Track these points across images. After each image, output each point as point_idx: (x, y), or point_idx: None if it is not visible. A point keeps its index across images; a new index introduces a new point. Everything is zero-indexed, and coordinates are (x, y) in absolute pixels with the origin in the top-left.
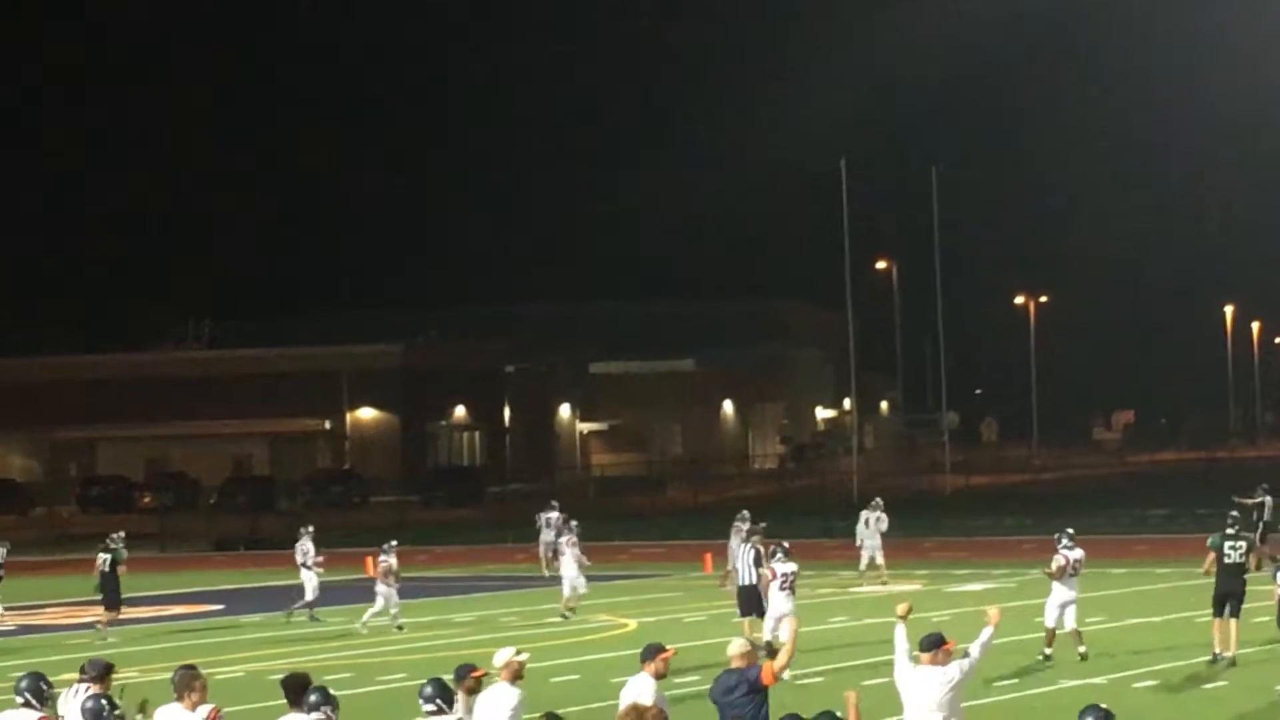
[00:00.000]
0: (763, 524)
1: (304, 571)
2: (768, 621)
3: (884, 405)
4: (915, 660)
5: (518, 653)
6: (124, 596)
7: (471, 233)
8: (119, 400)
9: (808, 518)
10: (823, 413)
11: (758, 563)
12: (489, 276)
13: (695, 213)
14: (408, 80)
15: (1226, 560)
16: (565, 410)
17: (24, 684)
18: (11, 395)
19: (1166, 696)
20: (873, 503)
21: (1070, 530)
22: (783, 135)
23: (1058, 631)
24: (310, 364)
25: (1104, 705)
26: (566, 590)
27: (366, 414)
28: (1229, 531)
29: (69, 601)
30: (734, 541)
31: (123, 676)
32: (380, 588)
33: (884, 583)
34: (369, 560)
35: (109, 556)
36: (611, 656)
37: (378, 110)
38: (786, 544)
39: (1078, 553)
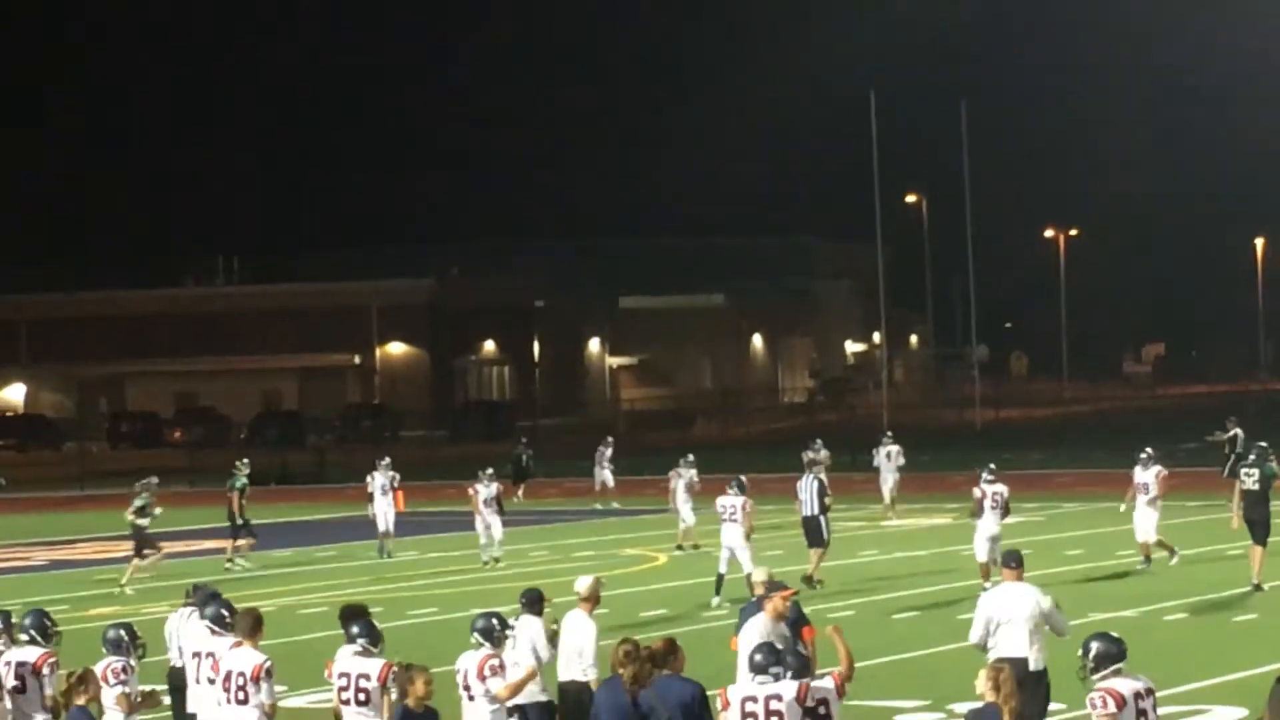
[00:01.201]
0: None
1: (380, 501)
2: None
3: (913, 339)
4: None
5: (597, 580)
6: (156, 532)
7: (501, 168)
8: (148, 336)
9: (837, 452)
10: (852, 346)
11: (823, 494)
12: (518, 211)
13: (724, 147)
14: (445, 12)
15: (1243, 487)
16: (595, 345)
17: (29, 621)
18: (41, 332)
19: (1197, 629)
20: (885, 436)
21: (992, 465)
22: (812, 69)
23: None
24: (339, 299)
25: (1114, 634)
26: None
27: (396, 349)
28: (1250, 459)
29: (99, 536)
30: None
31: (153, 611)
32: (480, 523)
33: (890, 518)
34: (399, 494)
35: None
36: (641, 590)
37: (413, 45)
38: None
39: (998, 487)
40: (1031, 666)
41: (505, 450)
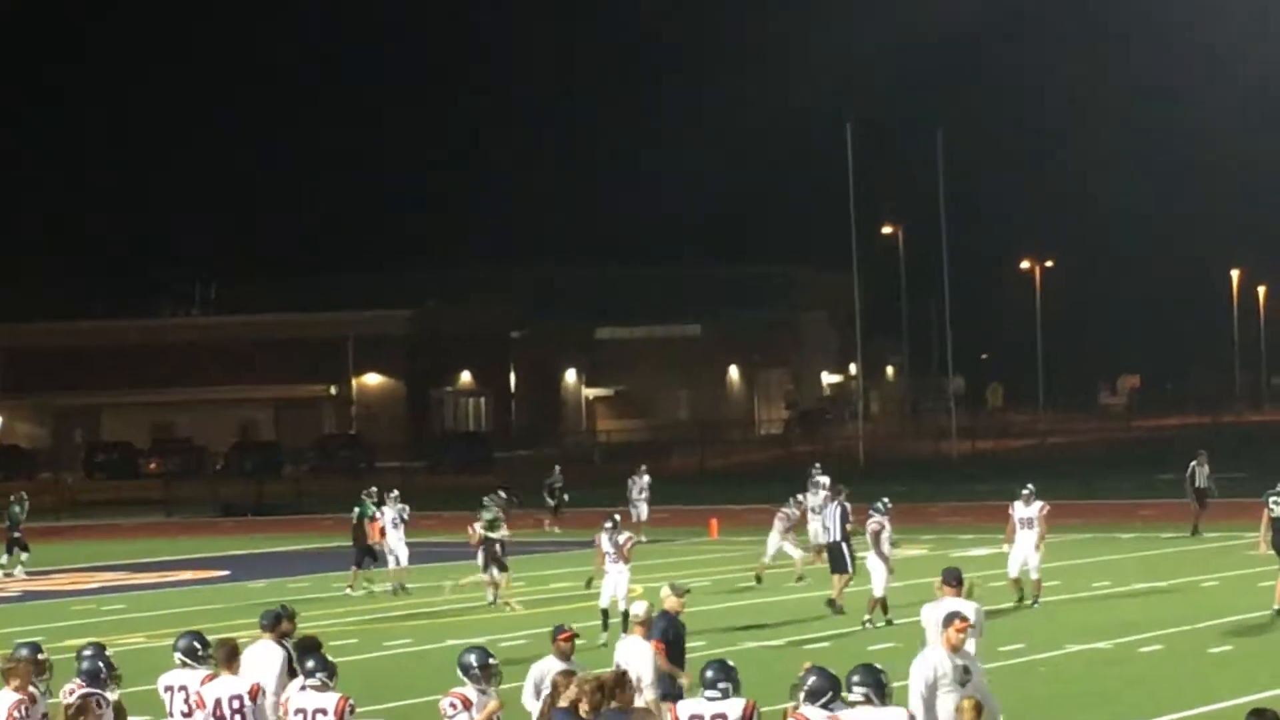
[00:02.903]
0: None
1: (392, 535)
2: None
3: (890, 370)
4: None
5: (650, 607)
6: (133, 562)
7: (475, 197)
8: (124, 366)
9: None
10: (828, 378)
11: (845, 520)
12: (494, 242)
13: (700, 177)
14: (409, 42)
15: (1271, 515)
16: (571, 376)
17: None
18: (17, 361)
19: (1172, 660)
20: (815, 467)
21: (885, 499)
22: (788, 99)
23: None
24: (316, 330)
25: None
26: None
27: (372, 380)
28: (1277, 488)
29: (74, 567)
30: (811, 499)
31: (128, 642)
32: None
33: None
34: (374, 526)
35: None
36: (614, 622)
37: (379, 72)
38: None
39: (873, 520)
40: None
41: (483, 481)
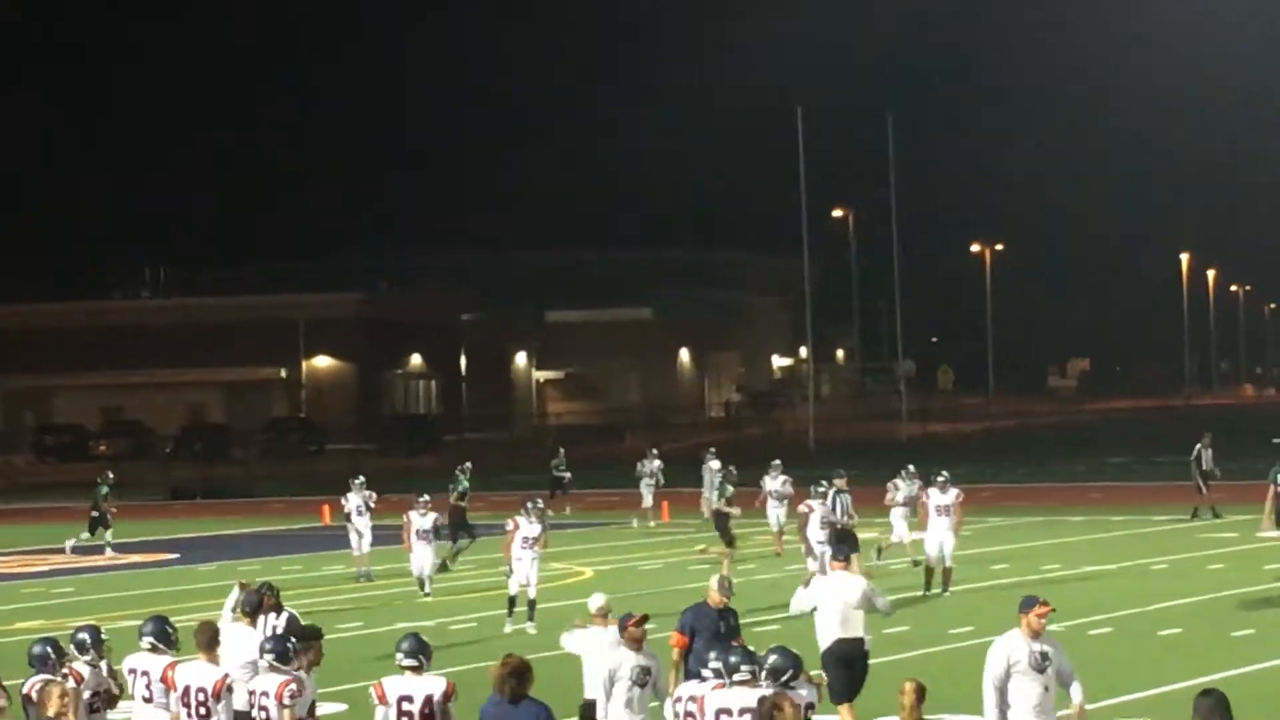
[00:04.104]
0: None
1: (358, 522)
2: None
3: (840, 354)
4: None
5: (606, 599)
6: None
7: (427, 181)
8: (75, 349)
9: (763, 467)
10: (779, 361)
11: (846, 512)
12: (445, 225)
13: (652, 162)
14: (361, 29)
15: (1278, 490)
16: (521, 359)
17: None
18: None
19: (1121, 643)
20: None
21: (824, 481)
22: (739, 85)
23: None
24: (267, 312)
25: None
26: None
27: (323, 362)
28: None
29: (24, 550)
30: (769, 484)
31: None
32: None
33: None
34: (325, 508)
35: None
36: (567, 605)
37: (330, 56)
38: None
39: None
40: (866, 646)
41: (433, 463)
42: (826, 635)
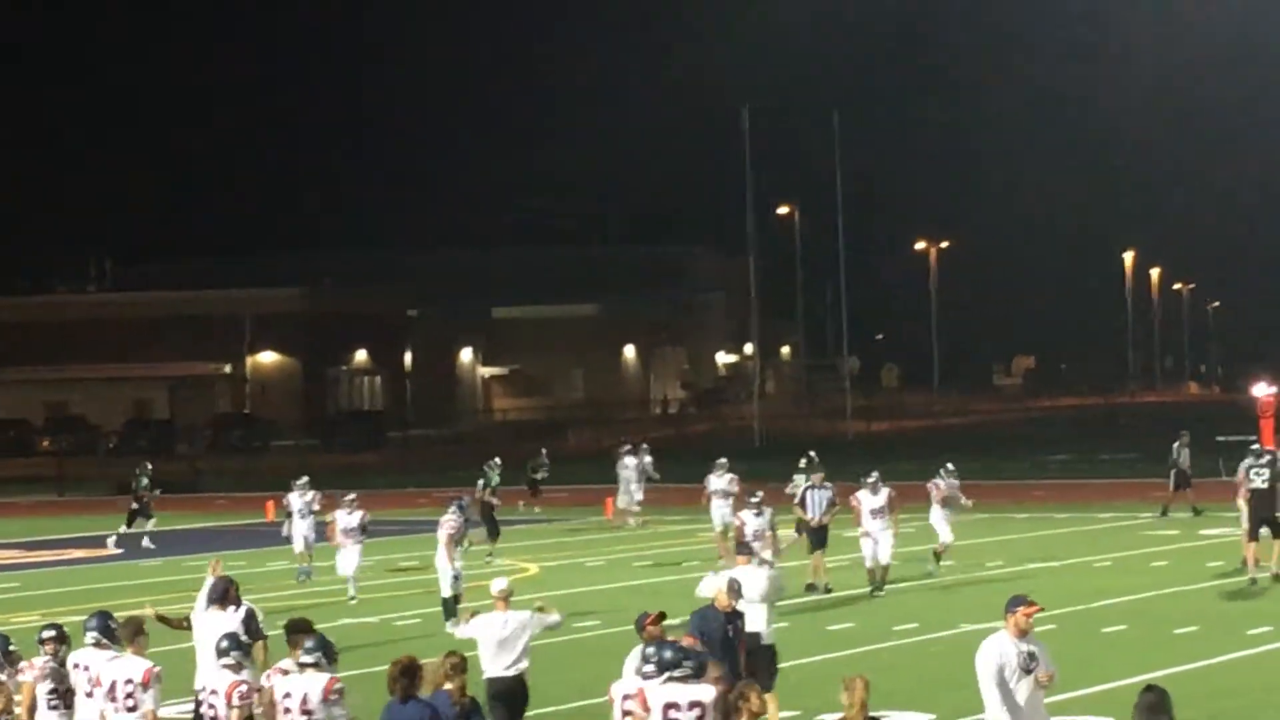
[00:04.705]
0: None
1: (300, 525)
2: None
3: (785, 350)
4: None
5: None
6: (27, 540)
7: (374, 177)
8: (18, 343)
9: (706, 463)
10: (724, 358)
11: (831, 504)
12: (391, 221)
13: (598, 157)
14: (308, 27)
15: (1251, 486)
16: (467, 355)
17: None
18: None
19: (1065, 640)
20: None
21: (759, 494)
22: (686, 80)
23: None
24: (211, 307)
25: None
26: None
27: (267, 358)
28: (1262, 460)
29: None
30: (714, 482)
31: (23, 620)
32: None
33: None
34: (269, 505)
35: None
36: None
37: (277, 54)
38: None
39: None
40: (764, 641)
41: (377, 460)
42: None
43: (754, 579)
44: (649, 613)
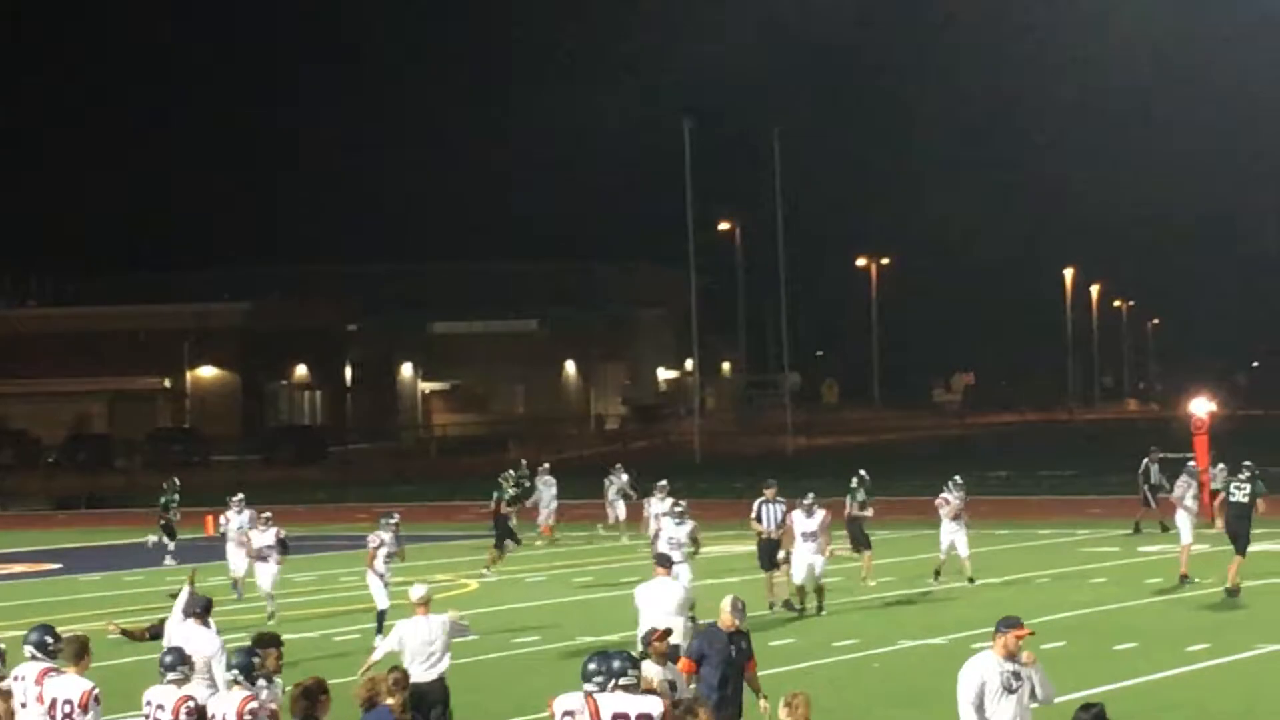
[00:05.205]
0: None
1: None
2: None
3: (726, 366)
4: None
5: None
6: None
7: (312, 192)
8: None
9: (645, 480)
10: (665, 373)
11: (782, 519)
12: (330, 236)
13: (538, 173)
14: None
15: (1230, 499)
16: (407, 370)
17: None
18: None
19: None
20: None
21: (682, 503)
22: (626, 96)
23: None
24: (151, 322)
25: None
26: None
27: (207, 372)
28: (1242, 476)
29: None
30: (655, 506)
31: None
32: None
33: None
34: (209, 519)
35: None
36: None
37: (220, 72)
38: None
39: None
40: (682, 652)
41: (318, 475)
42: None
43: (671, 591)
44: (656, 629)
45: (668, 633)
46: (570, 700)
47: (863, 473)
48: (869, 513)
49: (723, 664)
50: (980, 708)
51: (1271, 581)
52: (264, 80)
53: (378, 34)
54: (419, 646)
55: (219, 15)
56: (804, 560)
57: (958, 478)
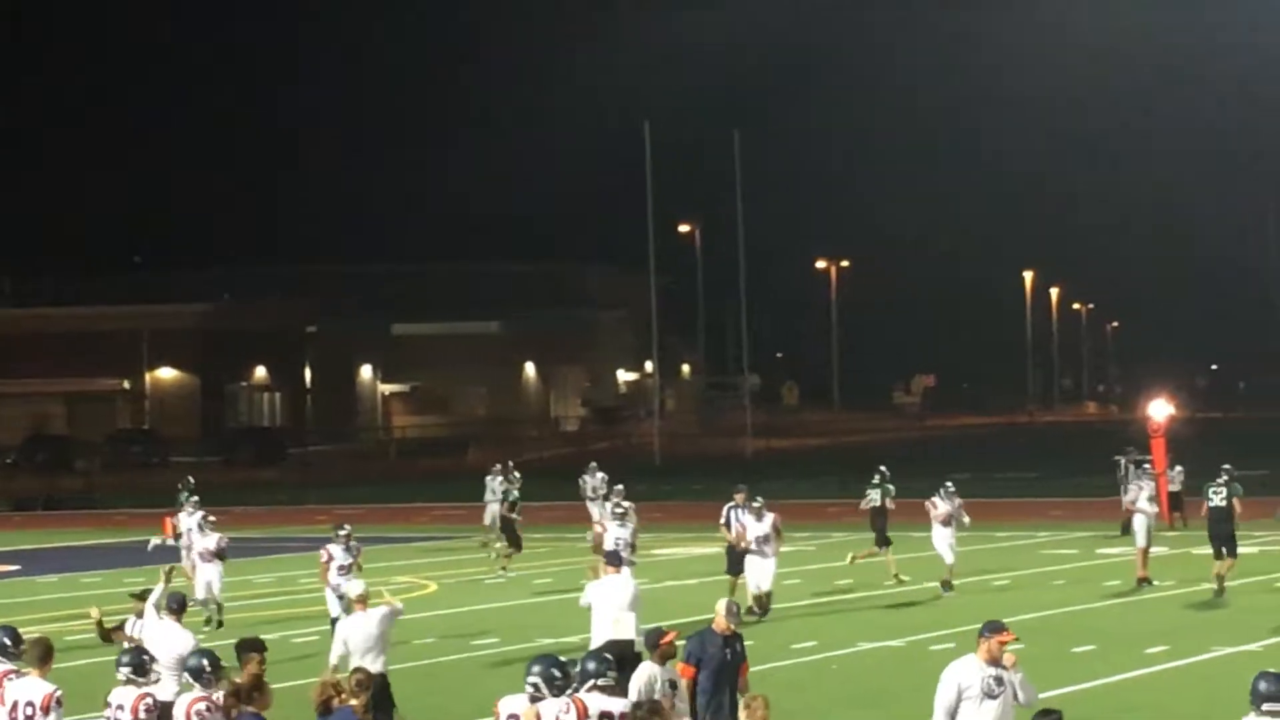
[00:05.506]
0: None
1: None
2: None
3: (686, 368)
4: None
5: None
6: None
7: (272, 193)
8: None
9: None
10: (625, 375)
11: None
12: (290, 237)
13: (499, 175)
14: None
15: (1210, 504)
16: (367, 371)
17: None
18: None
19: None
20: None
21: (626, 504)
22: (588, 98)
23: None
24: (110, 323)
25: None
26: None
27: (166, 374)
28: (1220, 480)
29: None
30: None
31: None
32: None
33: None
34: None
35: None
36: (411, 618)
37: (173, 66)
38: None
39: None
40: (638, 648)
41: (277, 476)
42: (600, 634)
43: (623, 588)
44: (663, 631)
45: (675, 635)
46: (515, 702)
47: (884, 469)
48: (892, 507)
49: (718, 668)
50: (954, 713)
51: (1227, 584)
52: (223, 81)
53: (336, 34)
54: (361, 641)
55: (183, 13)
56: (754, 566)
57: (949, 484)
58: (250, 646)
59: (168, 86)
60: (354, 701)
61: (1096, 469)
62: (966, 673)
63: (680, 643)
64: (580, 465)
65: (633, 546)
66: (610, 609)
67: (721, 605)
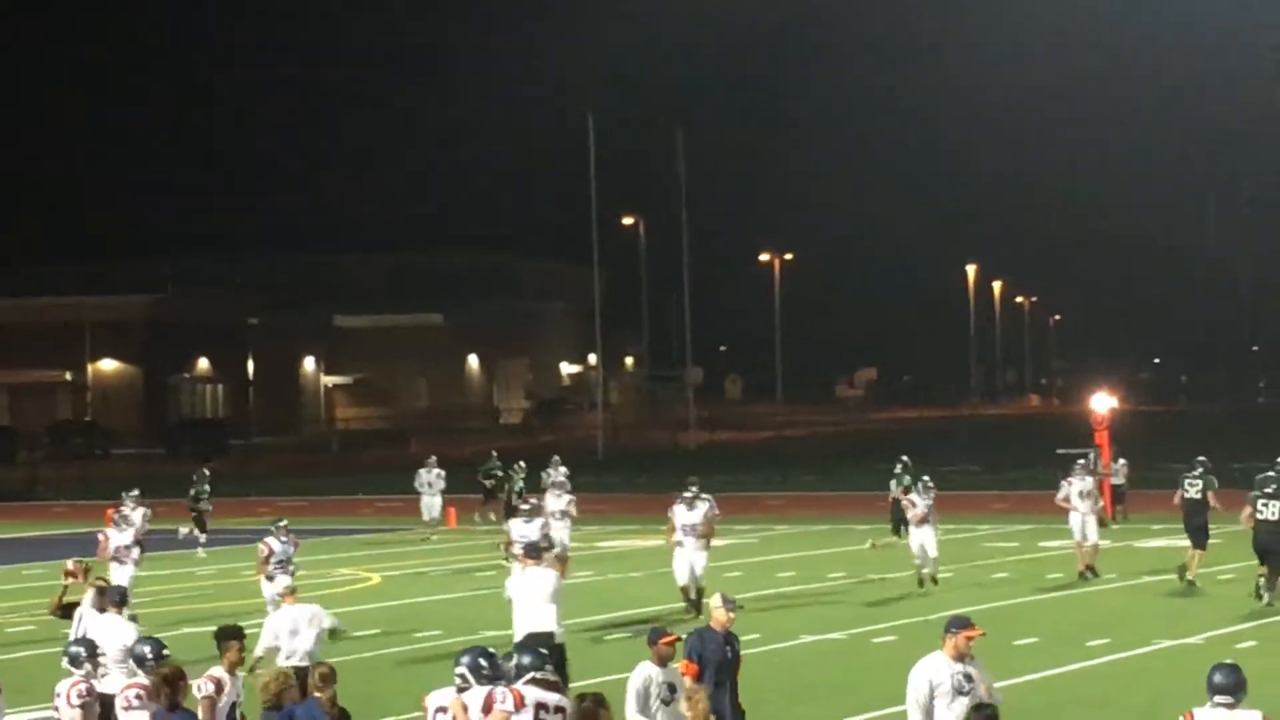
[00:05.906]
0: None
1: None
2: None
3: (629, 361)
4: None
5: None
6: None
7: (214, 182)
8: None
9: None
10: (568, 368)
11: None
12: (232, 229)
13: (442, 166)
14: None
15: (1185, 495)
16: (309, 363)
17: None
18: None
19: (906, 652)
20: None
21: (531, 501)
22: (532, 91)
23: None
24: (52, 315)
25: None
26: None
27: (108, 365)
28: (1195, 472)
29: None
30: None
31: None
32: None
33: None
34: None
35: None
36: (354, 610)
37: (122, 63)
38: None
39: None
40: (557, 640)
41: (219, 468)
42: (520, 627)
43: (544, 580)
44: (664, 631)
45: (676, 638)
46: (443, 695)
47: (905, 458)
48: (913, 497)
49: (719, 666)
50: (928, 711)
51: (1167, 578)
52: (166, 69)
53: (281, 25)
54: (288, 635)
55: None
56: (685, 558)
57: (926, 478)
58: (229, 634)
59: (115, 77)
60: (319, 694)
61: (1039, 462)
62: (936, 670)
63: (550, 629)
64: (523, 457)
65: (549, 541)
66: (530, 601)
67: (717, 599)
